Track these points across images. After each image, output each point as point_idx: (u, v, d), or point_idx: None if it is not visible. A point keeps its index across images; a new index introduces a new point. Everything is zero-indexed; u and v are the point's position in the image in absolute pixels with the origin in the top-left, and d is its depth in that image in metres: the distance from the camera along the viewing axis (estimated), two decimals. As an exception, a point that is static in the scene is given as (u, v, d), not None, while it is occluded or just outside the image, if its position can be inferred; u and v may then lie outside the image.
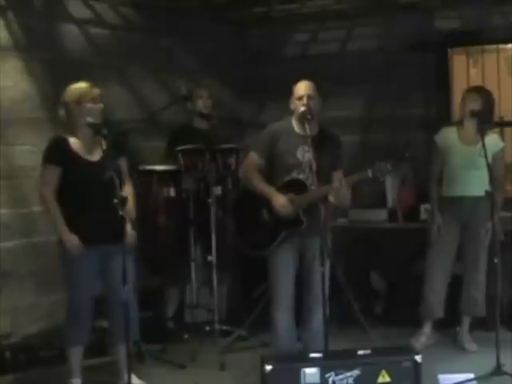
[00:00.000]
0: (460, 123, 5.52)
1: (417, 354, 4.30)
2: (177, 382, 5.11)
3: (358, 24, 6.96)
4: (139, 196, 5.05)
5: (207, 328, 5.60)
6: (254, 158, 4.83)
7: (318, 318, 4.63)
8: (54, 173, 4.54)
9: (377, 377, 4.23)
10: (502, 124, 6.38)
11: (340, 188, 4.54)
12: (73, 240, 4.51)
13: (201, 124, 6.00)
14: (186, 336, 5.84)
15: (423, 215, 6.10)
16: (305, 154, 4.69)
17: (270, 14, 6.92)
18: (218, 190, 5.65)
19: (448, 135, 5.54)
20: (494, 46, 6.65)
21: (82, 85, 4.61)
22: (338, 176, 4.66)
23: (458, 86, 6.63)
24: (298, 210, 4.67)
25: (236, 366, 5.24)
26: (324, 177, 4.61)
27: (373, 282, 6.46)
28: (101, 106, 4.61)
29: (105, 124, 4.61)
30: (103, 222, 4.40)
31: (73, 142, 4.58)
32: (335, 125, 5.13)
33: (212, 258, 5.57)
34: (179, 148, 5.58)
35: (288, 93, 4.81)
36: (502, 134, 6.26)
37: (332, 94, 6.37)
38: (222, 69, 7.00)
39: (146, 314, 5.49)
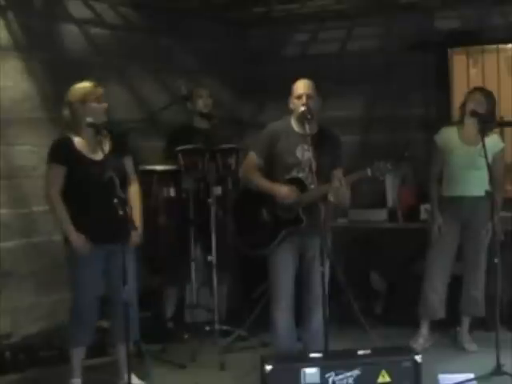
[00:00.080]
0: (460, 123, 5.52)
1: (417, 353, 4.30)
2: (177, 382, 5.11)
3: (358, 24, 6.96)
4: (139, 196, 5.05)
5: (207, 328, 5.60)
6: (253, 157, 4.83)
7: (317, 317, 4.63)
8: (59, 172, 4.55)
9: (377, 377, 4.22)
10: (502, 124, 6.37)
11: (339, 187, 4.55)
12: (80, 239, 4.51)
13: (201, 124, 6.00)
14: (186, 336, 5.84)
15: (423, 215, 6.10)
16: (304, 153, 4.69)
17: (270, 13, 6.92)
18: (218, 190, 5.65)
19: (448, 135, 5.54)
20: (494, 46, 6.64)
21: (86, 84, 4.61)
22: (337, 175, 4.66)
23: (458, 86, 6.63)
24: (297, 209, 4.67)
25: (236, 366, 5.24)
26: (324, 176, 4.61)
27: (373, 282, 6.46)
28: (105, 105, 4.62)
29: (107, 124, 4.62)
30: (108, 221, 4.38)
31: (77, 141, 4.59)
32: (335, 125, 5.13)
33: (212, 257, 5.57)
34: (179, 148, 5.58)
35: (288, 93, 4.81)
36: (502, 134, 6.26)
37: (332, 94, 6.38)
38: (222, 69, 7.00)
39: (146, 314, 5.49)
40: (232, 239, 5.22)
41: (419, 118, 6.75)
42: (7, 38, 5.42)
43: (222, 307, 5.97)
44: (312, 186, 4.61)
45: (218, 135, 5.79)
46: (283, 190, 4.68)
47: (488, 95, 5.44)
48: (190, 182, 5.69)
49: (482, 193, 5.03)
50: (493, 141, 5.40)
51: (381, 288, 6.42)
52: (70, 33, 5.85)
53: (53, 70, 5.68)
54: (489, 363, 4.72)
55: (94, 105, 4.57)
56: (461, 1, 6.44)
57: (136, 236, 4.64)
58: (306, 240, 4.74)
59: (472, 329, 5.64)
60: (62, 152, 4.57)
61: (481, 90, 5.55)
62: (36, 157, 5.57)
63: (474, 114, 5.27)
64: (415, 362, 4.24)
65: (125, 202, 4.31)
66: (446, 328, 5.76)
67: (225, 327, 5.68)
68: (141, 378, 4.84)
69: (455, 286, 5.59)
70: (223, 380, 5.12)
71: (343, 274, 5.40)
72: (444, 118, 6.42)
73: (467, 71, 6.76)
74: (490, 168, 4.90)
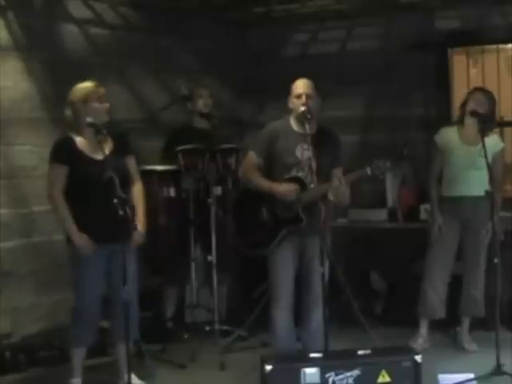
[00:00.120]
0: (460, 123, 5.52)
1: (417, 353, 4.31)
2: (177, 382, 5.11)
3: (358, 24, 6.96)
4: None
5: (207, 328, 5.60)
6: (252, 157, 4.84)
7: (317, 317, 4.64)
8: (61, 172, 4.55)
9: (377, 377, 4.23)
10: (502, 124, 6.37)
11: (339, 186, 4.55)
12: (82, 239, 4.51)
13: (201, 124, 6.00)
14: (186, 336, 5.84)
15: (423, 215, 6.11)
16: (304, 153, 4.69)
17: (269, 13, 6.91)
18: (218, 190, 5.65)
19: (448, 135, 5.54)
20: (494, 46, 6.64)
21: (87, 84, 4.61)
22: (337, 174, 4.66)
23: (458, 86, 6.64)
24: (297, 208, 4.67)
25: (236, 366, 5.24)
26: (323, 175, 4.62)
27: (373, 282, 6.46)
28: (107, 105, 4.62)
29: (109, 123, 4.63)
30: (110, 221, 4.37)
31: (79, 141, 4.59)
32: (335, 125, 5.13)
33: (212, 257, 5.57)
34: (179, 148, 5.58)
35: (288, 93, 4.81)
36: (501, 134, 6.26)
37: (332, 93, 6.38)
38: (222, 69, 7.00)
39: (147, 314, 5.49)
40: (232, 239, 5.22)
41: (419, 117, 6.75)
42: (7, 37, 5.42)
43: (222, 307, 5.96)
44: (312, 186, 4.61)
45: (217, 135, 5.79)
46: (283, 188, 4.68)
47: (488, 95, 5.44)
48: (189, 182, 5.69)
49: (481, 193, 5.03)
50: (493, 141, 5.40)
51: (381, 288, 6.42)
52: (70, 33, 5.85)
53: (53, 70, 5.68)
54: (489, 363, 4.72)
55: (96, 105, 4.57)
56: (461, 1, 6.44)
57: (138, 236, 4.64)
58: (305, 240, 4.74)
59: (472, 329, 5.64)
60: (63, 152, 4.57)
61: (481, 90, 5.55)
62: (36, 157, 5.57)
63: (474, 113, 5.27)
64: (415, 362, 4.25)
65: (125, 202, 4.31)
66: (446, 328, 5.76)
67: (225, 327, 5.68)
68: (141, 378, 4.84)
69: (455, 285, 5.59)
70: (223, 380, 5.12)
71: (343, 274, 5.40)
72: (444, 118, 6.42)
73: (467, 71, 6.76)
74: (490, 168, 4.90)
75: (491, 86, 5.98)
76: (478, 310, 5.54)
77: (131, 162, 4.78)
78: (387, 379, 4.23)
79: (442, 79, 6.72)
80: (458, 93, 6.34)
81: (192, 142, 5.61)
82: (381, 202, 6.53)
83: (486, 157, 4.91)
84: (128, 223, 4.31)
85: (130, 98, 6.26)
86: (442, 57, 6.71)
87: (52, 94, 5.64)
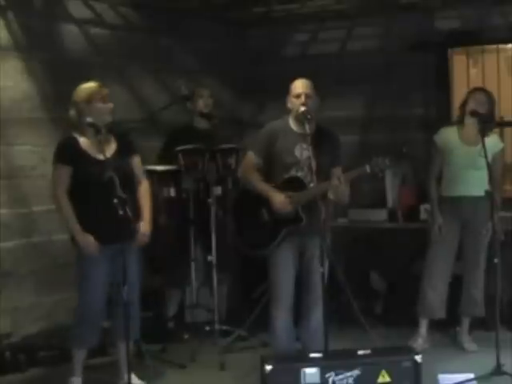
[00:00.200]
0: (460, 123, 5.52)
1: (417, 353, 4.31)
2: (177, 382, 5.11)
3: (358, 24, 6.96)
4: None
5: (207, 328, 5.60)
6: (251, 157, 4.84)
7: (316, 316, 4.64)
8: (65, 172, 4.55)
9: (377, 377, 4.23)
10: (502, 124, 6.38)
11: (339, 185, 4.55)
12: (87, 239, 4.51)
13: (201, 124, 6.00)
14: (186, 336, 5.84)
15: (423, 215, 6.10)
16: (303, 152, 4.70)
17: (269, 14, 6.91)
18: (218, 190, 5.65)
19: (448, 135, 5.54)
20: (494, 46, 6.65)
21: (91, 84, 4.62)
22: (336, 173, 4.66)
23: (458, 86, 6.64)
24: (297, 207, 4.67)
25: (236, 366, 5.24)
26: (323, 174, 4.62)
27: (373, 282, 6.46)
28: (110, 105, 4.63)
29: (112, 123, 4.63)
30: (113, 221, 4.37)
31: (83, 141, 4.59)
32: (335, 125, 5.13)
33: (212, 257, 5.58)
34: (179, 148, 5.58)
35: (288, 93, 4.80)
36: (501, 134, 6.26)
37: (332, 93, 6.39)
38: (222, 69, 7.00)
39: (147, 314, 5.49)
40: (232, 239, 5.22)
41: (419, 117, 6.75)
42: (7, 37, 5.42)
43: (222, 307, 5.96)
44: (311, 185, 4.61)
45: (218, 135, 5.79)
46: (278, 200, 4.67)
47: (488, 95, 5.44)
48: (189, 182, 5.69)
49: (481, 193, 5.03)
50: (493, 141, 5.40)
51: (381, 288, 6.42)
52: (70, 33, 5.85)
53: (53, 70, 5.68)
54: (489, 363, 4.72)
55: (100, 105, 4.58)
56: (461, 1, 6.44)
57: (142, 236, 4.66)
58: (305, 239, 4.74)
59: (472, 329, 5.64)
60: (67, 152, 4.58)
61: (481, 90, 5.55)
62: (36, 157, 5.57)
63: (474, 113, 5.27)
64: (415, 362, 4.25)
65: (125, 202, 4.32)
66: (446, 328, 5.76)
67: (225, 327, 5.68)
68: (141, 378, 4.84)
69: (455, 285, 5.59)
70: (223, 380, 5.12)
71: (343, 274, 5.40)
72: (444, 118, 6.42)
73: (467, 71, 6.76)
74: (490, 168, 4.90)
75: (491, 86, 5.98)
76: (478, 310, 5.54)
77: (136, 162, 4.78)
78: (387, 379, 4.23)
79: (442, 79, 6.72)
80: (458, 93, 6.33)
81: (192, 142, 5.61)
82: (381, 202, 6.53)
83: (486, 157, 4.91)
84: (129, 223, 4.31)
85: (129, 97, 6.26)
86: (441, 57, 6.71)
87: (52, 94, 5.64)
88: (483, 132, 5.06)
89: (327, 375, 4.20)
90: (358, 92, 6.90)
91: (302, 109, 4.66)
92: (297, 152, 4.72)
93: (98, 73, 5.52)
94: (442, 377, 4.75)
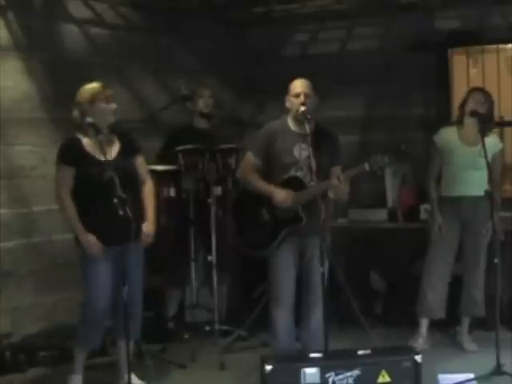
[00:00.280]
0: (459, 123, 5.52)
1: (417, 353, 4.30)
2: (177, 382, 5.11)
3: (358, 24, 6.96)
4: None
5: (207, 328, 5.60)
6: (250, 158, 4.83)
7: (316, 316, 4.64)
8: (68, 173, 4.55)
9: (377, 377, 4.23)
10: (502, 124, 6.38)
11: (339, 184, 4.55)
12: (90, 239, 4.52)
13: (201, 124, 6.00)
14: (186, 336, 5.85)
15: (423, 215, 6.10)
16: (302, 152, 4.70)
17: (269, 14, 6.91)
18: (218, 190, 5.65)
19: (447, 135, 5.53)
20: (494, 46, 6.65)
21: (94, 85, 4.62)
22: (336, 171, 4.66)
23: (458, 86, 6.64)
24: (297, 207, 4.67)
25: (236, 366, 5.24)
26: (322, 174, 4.62)
27: (373, 282, 6.46)
28: (113, 106, 4.62)
29: (115, 124, 4.63)
30: (115, 221, 4.38)
31: (86, 142, 4.59)
32: (335, 125, 5.13)
33: (212, 257, 5.58)
34: (179, 148, 5.58)
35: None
36: (501, 134, 6.26)
37: (332, 93, 6.40)
38: (222, 69, 7.00)
39: (147, 314, 5.48)
40: (232, 239, 5.22)
41: (419, 117, 6.75)
42: (7, 37, 5.42)
43: (222, 307, 5.96)
44: (311, 184, 4.61)
45: (218, 135, 5.79)
46: (280, 195, 4.67)
47: (487, 95, 5.44)
48: (190, 182, 5.69)
49: (481, 193, 5.03)
50: (492, 141, 5.40)
51: (381, 288, 6.42)
52: (70, 33, 5.85)
53: (53, 70, 5.68)
54: (489, 363, 4.72)
55: (103, 105, 4.58)
56: (461, 1, 6.44)
57: (146, 236, 4.66)
58: (305, 239, 4.74)
59: (472, 329, 5.64)
60: (70, 153, 4.58)
61: (480, 90, 5.55)
62: (36, 157, 5.57)
63: (474, 113, 5.27)
64: (415, 362, 4.25)
65: (125, 202, 4.32)
66: (446, 328, 5.76)
67: (225, 327, 5.68)
68: (141, 378, 4.84)
69: (455, 285, 5.59)
70: (223, 380, 5.12)
71: (343, 274, 5.40)
72: (444, 118, 6.42)
73: (467, 71, 6.76)
74: (490, 168, 4.90)
75: (491, 86, 5.98)
76: (478, 309, 5.54)
77: (140, 162, 4.78)
78: (387, 379, 4.23)
79: (442, 79, 6.72)
80: (458, 93, 6.33)
81: (192, 142, 5.61)
82: (381, 202, 6.53)
83: (486, 156, 4.91)
84: (129, 223, 4.31)
85: (130, 97, 6.25)
86: (442, 57, 6.71)
87: (52, 94, 5.65)
88: (483, 132, 5.06)
89: (327, 375, 4.20)
90: (358, 92, 6.90)
91: (302, 108, 4.66)
92: (296, 152, 4.72)
93: (98, 73, 5.52)
94: (442, 377, 4.75)
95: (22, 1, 5.56)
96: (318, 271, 4.40)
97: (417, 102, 6.76)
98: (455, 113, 5.83)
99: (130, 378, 4.42)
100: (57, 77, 5.65)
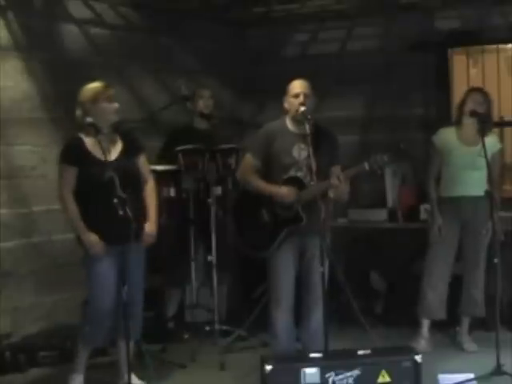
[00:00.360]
0: (458, 123, 5.51)
1: (417, 353, 4.30)
2: (177, 382, 5.11)
3: (358, 24, 6.96)
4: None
5: (207, 328, 5.60)
6: (249, 159, 4.83)
7: (316, 317, 4.64)
8: (71, 173, 4.55)
9: (377, 377, 4.22)
10: (502, 124, 6.38)
11: (339, 184, 4.55)
12: (93, 238, 4.52)
13: (201, 124, 6.00)
14: (186, 336, 5.85)
15: (423, 215, 6.10)
16: (301, 152, 4.70)
17: (269, 14, 6.91)
18: (218, 190, 5.65)
19: (446, 136, 5.53)
20: (494, 46, 6.65)
21: (96, 84, 4.62)
22: (335, 171, 4.66)
23: (458, 86, 6.63)
24: (297, 207, 4.67)
25: (236, 366, 5.24)
26: (322, 174, 4.61)
27: (373, 282, 6.46)
28: (116, 105, 4.62)
29: (117, 123, 4.63)
30: (116, 221, 4.38)
31: (88, 142, 4.59)
32: (335, 125, 5.13)
33: (212, 257, 5.58)
34: (179, 148, 5.58)
35: (288, 93, 4.82)
36: (501, 134, 6.26)
37: (332, 93, 6.39)
38: (222, 69, 7.00)
39: (147, 314, 5.48)
40: (232, 240, 5.22)
41: (419, 117, 6.75)
42: (7, 37, 5.42)
43: (222, 307, 5.96)
44: (312, 183, 4.61)
45: (217, 135, 5.79)
46: (282, 190, 4.67)
47: (485, 95, 5.44)
48: (190, 182, 5.69)
49: (480, 193, 5.04)
50: (492, 141, 5.39)
51: (381, 288, 6.42)
52: (70, 33, 5.85)
53: (53, 70, 5.68)
54: (489, 363, 4.71)
55: (105, 105, 4.58)
56: (461, 1, 6.44)
57: (148, 236, 4.66)
58: (305, 239, 4.74)
59: (472, 329, 5.64)
60: (72, 153, 4.58)
61: (478, 90, 5.55)
62: (36, 157, 5.58)
63: (473, 114, 5.26)
64: (415, 362, 4.24)
65: (125, 202, 4.32)
66: (446, 328, 5.76)
67: (225, 327, 5.68)
68: (141, 378, 4.84)
69: (455, 285, 5.59)
70: (223, 380, 5.12)
71: (343, 274, 5.40)
72: (444, 118, 6.41)
73: (467, 71, 6.76)
74: (489, 168, 4.90)
75: (491, 86, 5.99)
76: (478, 310, 5.54)
77: (142, 161, 4.78)
78: (387, 379, 4.23)
79: (442, 79, 6.72)
80: (458, 93, 6.32)
81: (192, 142, 5.61)
82: (381, 202, 6.53)
83: (486, 156, 4.91)
84: (130, 223, 4.31)
85: (130, 97, 6.25)
86: (442, 57, 6.71)
87: (52, 94, 5.65)
88: (483, 132, 5.06)
89: (327, 375, 4.20)
90: (358, 92, 6.90)
91: (302, 109, 4.65)
92: (295, 152, 4.72)
93: (98, 73, 5.52)
94: (441, 377, 4.75)
95: (22, 1, 5.56)
96: (318, 271, 4.40)
97: (417, 102, 6.76)
98: (454, 113, 5.83)
99: (130, 378, 4.42)
100: (57, 77, 5.65)
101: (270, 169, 4.78)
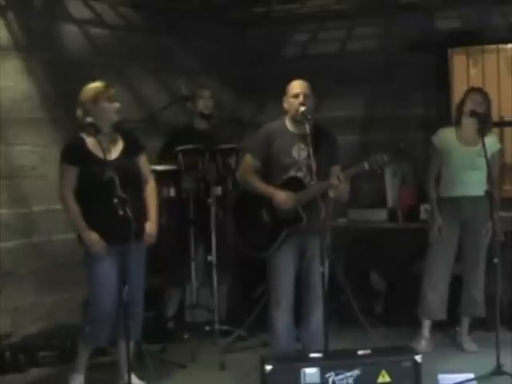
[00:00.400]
0: (458, 123, 5.51)
1: (417, 353, 4.30)
2: (177, 382, 5.11)
3: (358, 24, 6.96)
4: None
5: (207, 328, 5.60)
6: (249, 160, 4.83)
7: (316, 317, 4.64)
8: (72, 173, 4.55)
9: (377, 377, 4.23)
10: (502, 124, 6.38)
11: (339, 184, 4.55)
12: (93, 238, 4.52)
13: (201, 124, 6.00)
14: (186, 336, 5.85)
15: (423, 215, 6.10)
16: (300, 153, 4.70)
17: (269, 14, 6.91)
18: (218, 190, 5.65)
19: (446, 136, 5.53)
20: (494, 46, 6.65)
21: (97, 84, 4.62)
22: (335, 171, 4.66)
23: (458, 86, 6.63)
24: (297, 207, 4.67)
25: (236, 366, 5.24)
26: (322, 174, 4.61)
27: (373, 282, 6.46)
28: (117, 105, 4.62)
29: (118, 123, 4.64)
30: (116, 221, 4.37)
31: (89, 141, 4.59)
32: (335, 125, 5.13)
33: (212, 257, 5.58)
34: (179, 148, 5.58)
35: (288, 93, 4.81)
36: (501, 134, 6.26)
37: (332, 93, 6.39)
38: (222, 69, 7.00)
39: (147, 314, 5.48)
40: (232, 240, 5.22)
41: (419, 117, 6.75)
42: (7, 37, 5.42)
43: (222, 307, 5.96)
44: (312, 183, 4.60)
45: (217, 135, 5.79)
46: (280, 196, 4.67)
47: (484, 95, 5.43)
48: (190, 182, 5.68)
49: (480, 193, 5.04)
50: (491, 141, 5.39)
51: (381, 288, 6.42)
52: (70, 33, 5.85)
53: (53, 70, 5.68)
54: (489, 363, 4.71)
55: (106, 104, 4.58)
56: (461, 1, 6.44)
57: (149, 236, 4.67)
58: (305, 239, 4.74)
59: (472, 329, 5.64)
60: (73, 153, 4.58)
61: (478, 90, 5.54)
62: (36, 157, 5.58)
63: (473, 114, 5.26)
64: (415, 362, 4.24)
65: (125, 202, 4.32)
66: (446, 328, 5.76)
67: (225, 327, 5.68)
68: (141, 378, 4.84)
69: (455, 285, 5.58)
70: (223, 380, 5.12)
71: (343, 274, 5.40)
72: (444, 118, 6.41)
73: (467, 71, 6.76)
74: (489, 168, 4.90)
75: (491, 86, 5.99)
76: (478, 310, 5.54)
77: (143, 161, 4.78)
78: (387, 379, 4.23)
79: (442, 79, 6.72)
80: (458, 93, 6.32)
81: (192, 142, 5.61)
82: (381, 202, 6.53)
83: (485, 156, 4.91)
84: (130, 223, 4.31)
85: (130, 97, 6.25)
86: (442, 57, 6.71)
87: (52, 94, 5.65)
88: (483, 132, 5.06)
89: (327, 375, 4.20)
90: (358, 92, 6.90)
91: (302, 109, 4.65)
92: (294, 153, 4.72)
93: (98, 73, 5.51)
94: (441, 377, 4.75)
95: (22, 1, 5.56)
96: (318, 271, 4.40)
97: (417, 102, 6.76)
98: (453, 113, 5.83)
99: (130, 378, 4.41)
100: (57, 77, 5.65)
101: (269, 169, 4.78)
